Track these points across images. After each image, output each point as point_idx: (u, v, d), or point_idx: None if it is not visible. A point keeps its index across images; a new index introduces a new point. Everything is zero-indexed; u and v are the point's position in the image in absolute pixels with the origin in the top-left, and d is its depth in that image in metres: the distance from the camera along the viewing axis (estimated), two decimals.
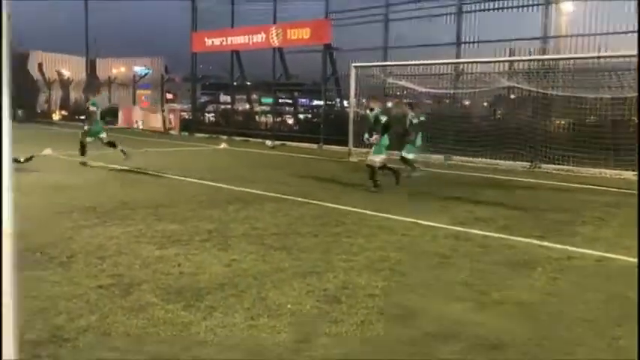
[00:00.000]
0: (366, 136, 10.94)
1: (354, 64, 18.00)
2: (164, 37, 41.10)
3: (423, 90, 19.26)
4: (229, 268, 5.43)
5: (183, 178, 11.48)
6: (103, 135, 13.68)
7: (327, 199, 9.38)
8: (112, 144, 13.66)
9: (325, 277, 5.23)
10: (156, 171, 12.47)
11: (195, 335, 3.84)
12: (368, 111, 11.44)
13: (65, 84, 37.98)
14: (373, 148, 10.81)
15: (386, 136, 10.79)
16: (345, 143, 17.80)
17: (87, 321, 3.97)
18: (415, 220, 7.94)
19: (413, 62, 18.58)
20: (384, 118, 10.83)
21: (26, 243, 6.02)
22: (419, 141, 13.09)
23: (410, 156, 12.89)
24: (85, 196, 9.15)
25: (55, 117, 35.79)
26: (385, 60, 19.72)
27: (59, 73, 38.18)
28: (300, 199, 9.43)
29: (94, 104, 14.01)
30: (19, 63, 40.02)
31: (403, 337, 3.93)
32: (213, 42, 26.46)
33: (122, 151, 13.54)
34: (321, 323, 4.11)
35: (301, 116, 29.78)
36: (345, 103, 21.88)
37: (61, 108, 37.21)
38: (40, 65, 38.47)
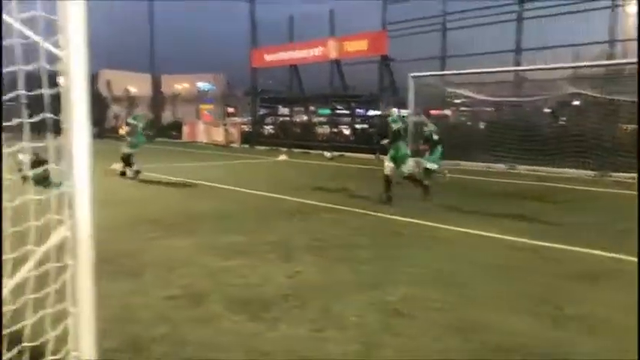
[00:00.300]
0: (379, 139, 10.87)
1: (411, 75, 17.93)
2: (226, 53, 42.24)
3: (483, 98, 18.99)
4: (292, 279, 5.54)
5: (244, 190, 11.75)
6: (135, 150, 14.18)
7: (384, 210, 9.39)
8: (128, 161, 14.01)
9: (387, 289, 5.24)
10: (218, 183, 12.81)
11: (262, 346, 3.94)
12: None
13: (132, 100, 39.60)
14: (390, 155, 10.49)
15: (400, 144, 10.42)
16: None
17: (160, 331, 4.15)
18: (475, 231, 7.84)
19: (472, 70, 18.33)
20: (395, 125, 10.45)
21: (104, 254, 6.33)
22: (438, 153, 13.12)
23: (434, 166, 12.97)
24: (151, 208, 9.53)
25: (122, 132, 37.27)
26: (443, 69, 19.56)
27: (126, 90, 39.86)
28: (358, 210, 9.48)
29: (134, 118, 15.04)
30: (89, 81, 42.08)
31: (467, 351, 3.91)
32: (272, 57, 27.01)
33: (136, 171, 13.88)
34: (385, 336, 4.13)
35: (358, 127, 29.85)
36: (404, 112, 21.78)
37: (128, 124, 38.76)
38: (108, 83, 40.28)
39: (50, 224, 2.96)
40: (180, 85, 42.23)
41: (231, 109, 41.47)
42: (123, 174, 13.87)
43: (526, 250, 6.91)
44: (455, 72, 18.91)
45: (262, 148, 26.29)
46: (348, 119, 29.84)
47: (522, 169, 16.76)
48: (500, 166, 17.13)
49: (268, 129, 32.85)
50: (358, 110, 31.91)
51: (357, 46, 22.79)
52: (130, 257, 6.21)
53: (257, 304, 4.79)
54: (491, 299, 5.03)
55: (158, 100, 38.22)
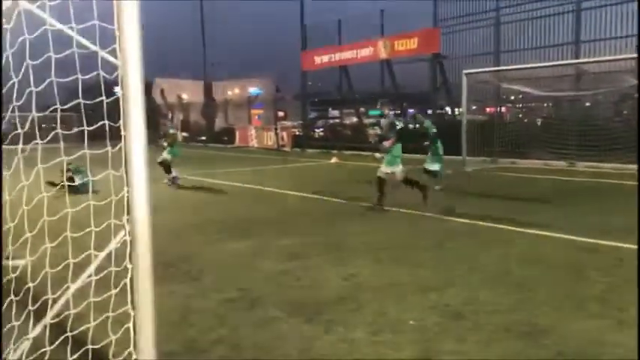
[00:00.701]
0: (376, 141, 10.25)
1: (465, 71, 17.55)
2: (275, 58, 42.69)
3: (540, 93, 18.39)
4: (348, 282, 5.48)
5: (297, 194, 11.79)
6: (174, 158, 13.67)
7: (442, 211, 9.18)
8: (168, 169, 13.43)
9: (447, 292, 5.11)
10: (271, 187, 12.90)
11: (318, 349, 3.90)
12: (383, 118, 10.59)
13: (185, 107, 40.49)
14: (385, 158, 10.10)
15: (399, 145, 9.97)
16: (457, 153, 17.35)
17: (218, 334, 4.18)
18: (539, 232, 7.57)
19: (528, 65, 17.79)
20: (399, 124, 10.23)
21: (162, 258, 6.47)
22: (439, 150, 11.94)
23: (435, 167, 11.84)
24: (208, 213, 9.68)
25: (178, 138, 38.09)
26: (497, 65, 19.07)
27: (179, 97, 40.79)
28: (414, 211, 9.33)
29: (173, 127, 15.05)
30: (144, 90, 43.36)
31: (532, 357, 3.74)
32: (322, 59, 27.06)
33: (173, 178, 13.36)
34: (445, 340, 4.02)
35: (410, 127, 29.48)
36: (457, 111, 21.41)
37: (182, 130, 39.64)
38: (162, 91, 41.32)
39: (110, 229, 3.01)
40: (231, 90, 42.93)
41: (281, 113, 41.88)
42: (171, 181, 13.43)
43: (589, 250, 6.62)
44: (510, 67, 18.40)
45: (313, 151, 26.37)
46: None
47: (583, 165, 16.12)
48: (560, 163, 16.54)
49: (319, 132, 32.96)
50: (410, 110, 31.57)
51: (408, 44, 22.52)
52: (188, 261, 6.30)
53: (313, 306, 4.76)
54: (555, 301, 4.82)
55: (210, 106, 38.96)
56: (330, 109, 33.16)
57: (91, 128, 3.02)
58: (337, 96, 27.90)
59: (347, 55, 25.50)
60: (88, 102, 2.97)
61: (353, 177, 15.59)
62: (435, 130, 11.90)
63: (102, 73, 2.85)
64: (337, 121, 30.95)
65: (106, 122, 3.00)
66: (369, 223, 8.46)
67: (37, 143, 3.17)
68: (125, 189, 2.84)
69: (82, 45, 2.86)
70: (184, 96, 41.35)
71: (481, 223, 8.27)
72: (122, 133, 2.81)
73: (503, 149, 18.23)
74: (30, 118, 3.10)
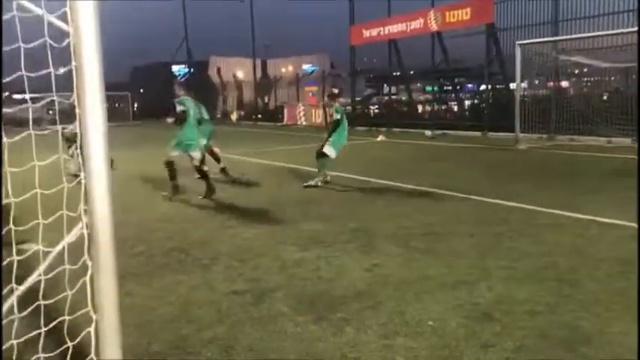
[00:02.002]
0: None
1: (519, 42, 16.45)
2: (329, 33, 42.01)
3: (605, 65, 17.06)
4: (370, 273, 4.99)
5: (336, 173, 11.26)
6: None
7: (488, 194, 8.48)
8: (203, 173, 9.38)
9: (477, 288, 4.54)
10: (308, 166, 12.44)
11: (320, 353, 3.46)
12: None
13: (239, 86, 40.45)
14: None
15: (186, 127, 8.92)
16: (511, 130, 16.38)
17: (213, 332, 3.79)
18: (594, 218, 6.80)
19: (592, 34, 16.47)
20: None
21: (177, 242, 6.19)
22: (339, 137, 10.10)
23: (331, 152, 9.91)
24: (238, 194, 9.35)
25: (233, 117, 38.21)
26: (556, 35, 17.78)
27: (234, 76, 40.76)
28: (457, 193, 8.68)
29: (182, 103, 9.21)
30: (200, 69, 43.64)
31: None
32: (370, 33, 26.22)
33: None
34: (467, 346, 3.49)
35: (466, 103, 28.37)
36: (512, 85, 20.24)
37: (238, 108, 39.71)
38: (218, 69, 41.38)
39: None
40: (285, 68, 42.53)
41: (335, 90, 41.07)
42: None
43: None
44: (571, 37, 17.09)
45: (362, 129, 25.70)
46: (451, 95, 28.42)
47: None
48: (624, 141, 15.30)
49: (373, 109, 32.23)
50: (468, 85, 30.42)
51: (460, 15, 21.39)
52: (203, 247, 5.97)
53: (325, 302, 4.31)
54: (606, 302, 4.17)
55: (264, 84, 38.77)
56: (384, 85, 32.16)
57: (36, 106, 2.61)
58: (388, 71, 27.00)
59: (396, 27, 24.55)
60: (30, 74, 2.55)
61: (396, 155, 14.97)
62: (338, 116, 10.25)
63: (49, 41, 2.45)
64: (394, 97, 30.05)
65: (55, 98, 2.61)
66: (405, 206, 7.89)
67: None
68: (82, 175, 2.44)
69: (25, 8, 2.46)
70: (239, 74, 41.24)
71: (531, 207, 7.55)
72: (76, 110, 2.41)
73: (562, 125, 17.08)
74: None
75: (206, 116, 10.79)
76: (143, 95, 55.90)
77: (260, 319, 4.01)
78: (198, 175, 9.21)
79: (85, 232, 2.55)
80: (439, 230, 6.48)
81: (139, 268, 5.30)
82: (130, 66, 50.93)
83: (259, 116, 36.02)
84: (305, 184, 9.83)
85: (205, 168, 9.11)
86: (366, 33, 26.37)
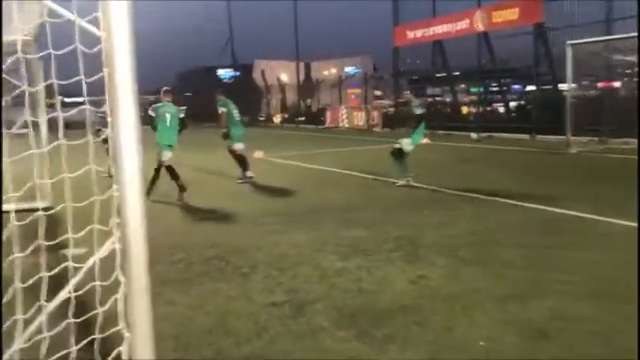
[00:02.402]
0: None
1: (569, 42, 15.82)
2: (372, 34, 41.75)
3: None
4: (415, 286, 4.76)
5: (374, 178, 11.05)
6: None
7: (539, 201, 8.08)
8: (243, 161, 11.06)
9: (530, 303, 4.26)
10: (349, 170, 12.26)
11: None
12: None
13: (283, 88, 40.57)
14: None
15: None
16: (561, 132, 15.77)
17: (251, 347, 3.65)
18: None
19: None
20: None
21: (217, 249, 6.09)
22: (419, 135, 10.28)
23: (408, 147, 10.01)
24: (280, 199, 9.25)
25: (276, 120, 38.34)
26: (609, 34, 17.04)
27: (278, 79, 40.91)
28: (505, 200, 8.33)
29: (224, 104, 10.88)
30: (245, 72, 44.09)
31: None
32: (415, 34, 25.85)
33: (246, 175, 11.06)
34: None
35: (512, 104, 27.60)
36: (560, 86, 19.54)
37: (281, 111, 39.84)
38: (262, 72, 41.63)
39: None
40: (327, 70, 42.44)
41: (378, 92, 40.85)
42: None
43: None
44: (625, 35, 16.31)
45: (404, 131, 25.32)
46: (498, 97, 27.70)
47: None
48: None
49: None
50: (514, 86, 29.67)
51: (507, 15, 20.80)
52: (242, 254, 5.84)
53: (368, 316, 4.11)
54: None
55: (307, 87, 38.78)
56: (428, 86, 31.72)
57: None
58: (432, 73, 26.54)
59: (441, 28, 24.12)
60: (61, 82, 2.45)
61: (441, 159, 14.60)
62: (419, 112, 10.39)
63: (80, 47, 2.35)
64: (438, 99, 29.55)
65: (87, 107, 2.51)
66: (452, 213, 7.60)
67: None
68: (114, 186, 2.32)
69: (56, 14, 2.37)
70: (283, 77, 41.38)
71: (584, 215, 7.15)
72: (108, 119, 2.30)
73: (615, 128, 16.32)
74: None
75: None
76: (190, 99, 56.88)
77: (299, 334, 3.84)
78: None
79: (117, 246, 2.43)
80: (487, 239, 6.19)
81: (178, 276, 5.22)
82: (177, 70, 51.96)
83: (302, 119, 36.00)
84: (398, 184, 9.91)
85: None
86: (410, 34, 26.02)
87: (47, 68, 2.53)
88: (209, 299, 4.56)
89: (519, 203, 8.06)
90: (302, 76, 40.35)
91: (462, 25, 22.96)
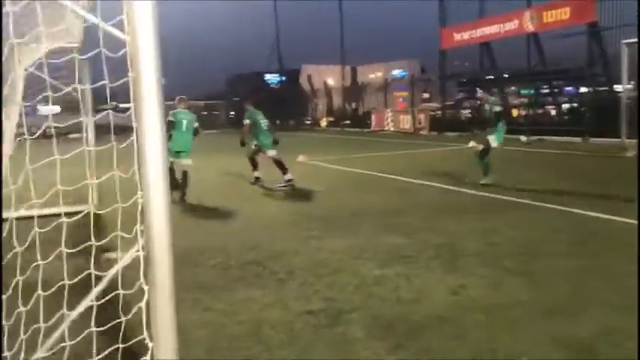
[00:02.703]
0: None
1: (625, 41, 15.16)
2: (419, 37, 41.33)
3: None
4: (455, 297, 4.58)
5: (422, 182, 10.83)
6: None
7: (591, 207, 7.70)
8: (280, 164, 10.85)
9: (578, 317, 4.03)
10: (392, 174, 12.07)
11: None
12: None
13: (329, 92, 40.60)
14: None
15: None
16: (616, 135, 15.11)
17: (282, 356, 3.57)
18: None
19: None
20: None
21: (255, 254, 6.06)
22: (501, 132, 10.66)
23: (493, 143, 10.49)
24: (320, 203, 9.15)
25: (323, 124, 38.39)
26: None
27: (325, 83, 40.97)
28: (554, 206, 7.99)
29: (249, 117, 10.91)
30: (291, 77, 44.41)
31: None
32: (462, 36, 25.39)
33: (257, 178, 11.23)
34: None
35: (565, 106, 26.73)
36: (619, 87, 18.75)
37: (327, 115, 39.88)
38: (309, 77, 41.82)
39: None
40: (374, 73, 42.21)
41: (426, 95, 40.34)
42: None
43: None
44: None
45: (452, 134, 24.85)
46: (549, 99, 26.86)
47: None
48: None
49: (465, 113, 31.23)
50: (567, 88, 28.77)
51: (559, 15, 20.13)
52: (280, 259, 5.79)
53: (405, 327, 3.97)
54: None
55: (353, 90, 38.66)
56: (477, 89, 31.15)
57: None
58: (481, 75, 25.96)
59: (489, 29, 23.57)
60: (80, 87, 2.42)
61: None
62: (497, 109, 10.72)
63: (104, 52, 2.32)
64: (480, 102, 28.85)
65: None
66: (496, 220, 7.33)
67: None
68: (139, 193, 2.28)
69: (79, 16, 2.36)
70: (330, 81, 41.42)
71: None
72: (133, 124, 2.26)
73: None
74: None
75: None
76: (239, 103, 57.76)
77: (332, 344, 3.74)
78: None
79: (141, 254, 2.39)
80: (533, 248, 5.92)
81: (215, 281, 5.20)
82: (226, 76, 52.86)
83: (348, 122, 35.91)
84: (482, 182, 9.98)
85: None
86: (457, 36, 25.58)
87: (96, 73, 2.55)
88: (244, 306, 4.51)
89: (569, 209, 7.72)
90: (348, 80, 40.25)
91: (511, 25, 22.38)
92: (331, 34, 40.26)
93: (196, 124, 9.88)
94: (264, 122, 10.92)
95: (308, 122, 40.76)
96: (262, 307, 4.47)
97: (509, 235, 6.47)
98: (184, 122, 9.53)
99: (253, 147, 10.99)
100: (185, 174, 9.48)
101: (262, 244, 6.45)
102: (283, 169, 10.74)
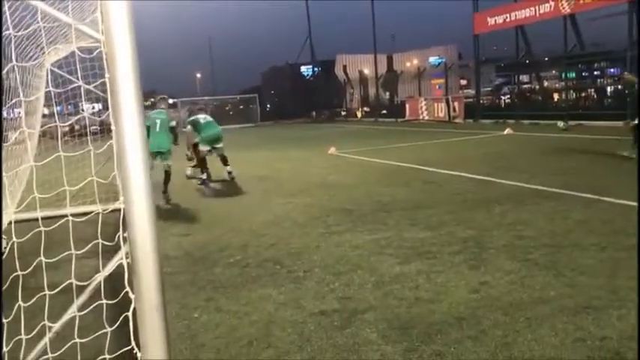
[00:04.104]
0: None
1: None
2: (456, 24, 40.54)
3: None
4: (476, 294, 4.37)
5: (452, 173, 10.53)
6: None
7: (628, 196, 7.30)
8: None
9: (606, 315, 3.78)
10: (423, 165, 11.79)
11: None
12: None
13: (365, 82, 40.21)
14: None
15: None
16: None
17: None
18: None
19: None
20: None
21: (274, 250, 5.98)
22: None
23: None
24: (346, 195, 8.99)
25: (359, 114, 38.09)
26: None
27: (360, 73, 40.61)
28: (588, 195, 7.63)
29: (190, 122, 11.59)
30: (326, 68, 44.22)
31: None
32: (496, 20, 24.71)
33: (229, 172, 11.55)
34: None
35: (608, 89, 25.76)
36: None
37: (363, 105, 39.56)
38: (344, 67, 41.53)
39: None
40: (409, 62, 41.58)
41: (464, 82, 39.54)
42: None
43: None
44: None
45: (488, 122, 24.25)
46: (591, 81, 25.96)
47: None
48: None
49: (504, 99, 30.58)
50: (610, 70, 27.78)
51: None
52: (298, 257, 5.68)
53: (421, 328, 3.80)
54: None
55: (388, 79, 38.19)
56: (516, 74, 30.30)
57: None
58: (520, 59, 25.20)
59: (524, 12, 22.85)
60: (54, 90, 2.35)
61: (521, 151, 13.73)
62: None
63: (77, 52, 2.23)
64: (526, 86, 28.19)
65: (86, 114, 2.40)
66: (526, 211, 7.03)
67: None
68: (120, 198, 2.19)
69: (53, 17, 2.27)
70: (365, 71, 41.04)
71: None
72: (112, 127, 2.17)
73: None
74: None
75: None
76: (274, 96, 57.95)
77: (344, 348, 3.61)
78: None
79: (125, 261, 2.30)
80: (562, 241, 5.64)
81: (231, 280, 5.13)
82: (261, 69, 53.26)
83: (384, 112, 35.52)
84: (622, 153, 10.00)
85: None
86: (491, 20, 24.90)
87: None
88: (257, 306, 4.42)
89: (603, 198, 7.35)
90: (384, 69, 39.75)
91: (546, 7, 21.60)
92: (365, 23, 39.80)
93: (173, 123, 9.84)
94: (201, 117, 11.40)
95: (343, 113, 40.54)
96: (275, 308, 4.38)
97: (538, 228, 6.19)
98: (158, 122, 9.44)
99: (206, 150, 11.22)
100: (167, 174, 9.45)
101: (282, 241, 6.37)
102: (202, 165, 11.25)
